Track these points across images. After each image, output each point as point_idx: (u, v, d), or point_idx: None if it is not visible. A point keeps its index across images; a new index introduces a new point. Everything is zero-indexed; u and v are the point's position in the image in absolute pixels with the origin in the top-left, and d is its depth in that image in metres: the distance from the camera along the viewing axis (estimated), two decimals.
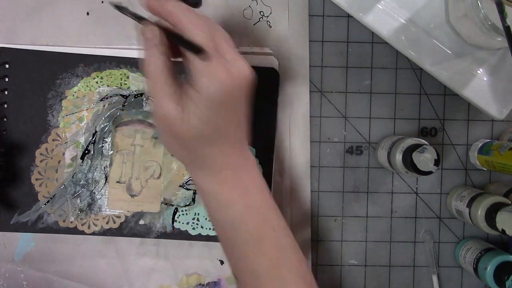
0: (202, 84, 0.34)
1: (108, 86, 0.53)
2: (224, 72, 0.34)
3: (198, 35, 0.34)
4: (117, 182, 0.53)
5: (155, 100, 0.36)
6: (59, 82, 0.52)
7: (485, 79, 0.50)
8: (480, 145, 0.53)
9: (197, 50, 0.33)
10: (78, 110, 0.52)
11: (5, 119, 0.52)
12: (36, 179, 0.52)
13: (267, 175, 0.53)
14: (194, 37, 0.34)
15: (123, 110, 0.53)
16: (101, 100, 0.53)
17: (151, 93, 0.36)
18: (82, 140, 0.52)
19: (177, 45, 0.37)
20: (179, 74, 0.37)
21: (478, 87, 0.50)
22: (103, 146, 0.53)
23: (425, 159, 0.45)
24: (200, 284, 0.54)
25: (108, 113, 0.53)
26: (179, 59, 0.38)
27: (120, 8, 0.39)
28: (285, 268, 0.39)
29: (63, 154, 0.52)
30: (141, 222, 0.53)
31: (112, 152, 0.53)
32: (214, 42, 0.35)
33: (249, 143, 0.41)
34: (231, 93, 0.35)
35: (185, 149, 0.37)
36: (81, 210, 0.52)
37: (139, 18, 0.38)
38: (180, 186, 0.53)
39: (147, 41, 0.36)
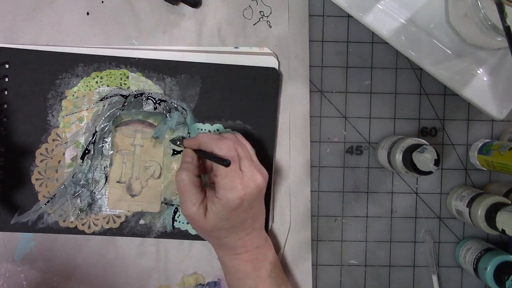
0: (221, 194, 0.44)
1: (108, 86, 0.53)
2: (240, 188, 0.44)
3: (222, 151, 0.45)
4: (117, 182, 0.53)
5: (182, 203, 0.46)
6: (59, 82, 0.52)
7: (485, 79, 0.50)
8: (480, 145, 0.53)
9: (222, 161, 0.43)
10: (78, 110, 0.52)
11: (5, 119, 0.52)
12: (36, 179, 0.52)
13: (268, 175, 0.53)
14: (219, 153, 0.45)
15: (123, 110, 0.53)
16: (101, 100, 0.53)
17: (180, 197, 0.47)
18: (82, 140, 0.52)
19: (204, 163, 0.49)
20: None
21: (478, 87, 0.50)
22: (103, 146, 0.53)
23: (425, 159, 0.45)
24: (199, 284, 0.54)
25: (108, 113, 0.53)
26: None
27: (173, 141, 0.52)
28: None
29: (63, 154, 0.52)
30: (141, 222, 0.53)
31: (112, 152, 0.53)
32: (235, 156, 0.45)
33: (266, 225, 0.52)
34: (244, 200, 0.45)
35: (209, 237, 0.49)
36: (81, 210, 0.52)
37: (183, 146, 0.50)
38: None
39: (184, 159, 0.48)
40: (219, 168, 0.45)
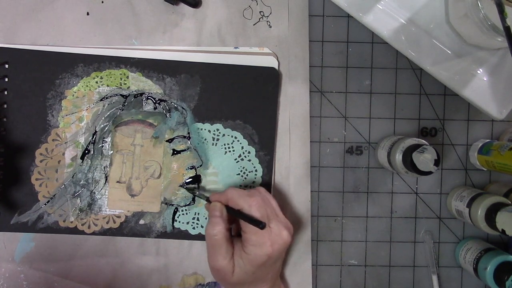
0: (250, 249, 0.45)
1: (107, 86, 0.53)
2: (269, 244, 0.45)
3: (252, 208, 0.45)
4: (117, 182, 0.53)
5: (212, 256, 0.46)
6: (59, 82, 0.52)
7: (485, 79, 0.50)
8: (480, 145, 0.53)
9: (258, 224, 0.43)
10: (78, 110, 0.52)
11: (5, 119, 0.52)
12: (36, 179, 0.52)
13: (267, 175, 0.54)
14: (253, 214, 0.45)
15: (123, 110, 0.53)
16: (101, 100, 0.53)
17: (210, 250, 0.47)
18: (82, 140, 0.52)
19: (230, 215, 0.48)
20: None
21: (478, 87, 0.50)
22: (103, 146, 0.53)
23: (425, 159, 0.45)
24: (199, 284, 0.54)
25: (108, 113, 0.53)
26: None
27: (192, 190, 0.53)
28: None
29: (63, 154, 0.52)
30: (141, 222, 0.53)
31: (112, 152, 0.53)
32: (265, 214, 0.46)
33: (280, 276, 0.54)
34: (272, 257, 0.45)
35: (230, 286, 0.48)
36: (81, 210, 0.52)
37: (206, 198, 0.50)
38: (180, 186, 0.53)
39: (213, 213, 0.47)
40: (249, 225, 0.45)
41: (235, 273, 0.46)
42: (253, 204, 0.45)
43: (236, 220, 0.49)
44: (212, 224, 0.46)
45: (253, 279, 0.47)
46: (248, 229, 0.45)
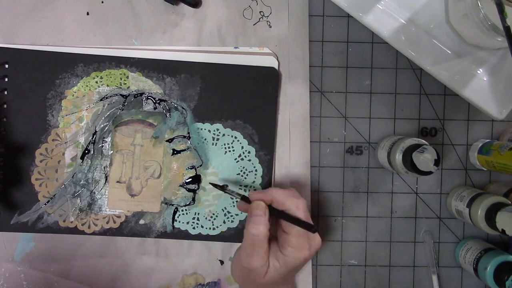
0: (289, 251, 0.44)
1: (107, 86, 0.53)
2: (306, 249, 0.45)
3: (300, 210, 0.45)
4: (117, 182, 0.53)
5: (249, 256, 0.45)
6: (59, 82, 0.52)
7: (485, 79, 0.50)
8: (480, 145, 0.53)
9: (310, 228, 0.43)
10: (77, 110, 0.52)
11: (5, 119, 0.52)
12: (36, 179, 0.52)
13: (267, 175, 0.54)
14: (300, 216, 0.44)
15: (122, 110, 0.53)
16: (101, 100, 0.53)
17: (248, 250, 0.45)
18: (82, 140, 0.52)
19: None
20: None
21: (478, 87, 0.50)
22: (103, 146, 0.53)
23: (425, 159, 0.45)
24: (199, 284, 0.54)
25: (108, 113, 0.53)
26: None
27: (222, 188, 0.50)
28: None
29: (63, 154, 0.52)
30: (141, 221, 0.53)
31: (112, 152, 0.53)
32: (309, 217, 0.45)
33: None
34: (307, 261, 0.46)
35: (251, 286, 0.47)
36: (81, 210, 0.52)
37: (241, 196, 0.48)
38: (180, 185, 0.53)
39: (257, 212, 0.45)
40: (292, 227, 0.44)
41: (268, 274, 0.45)
42: (300, 206, 0.45)
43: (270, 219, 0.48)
44: (255, 223, 0.45)
45: (281, 280, 0.46)
46: (291, 230, 0.44)
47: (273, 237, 0.47)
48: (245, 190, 0.53)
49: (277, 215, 0.46)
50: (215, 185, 0.51)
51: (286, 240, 0.45)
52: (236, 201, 0.52)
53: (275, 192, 0.46)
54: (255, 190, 0.53)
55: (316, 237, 0.46)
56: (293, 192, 0.47)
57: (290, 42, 0.54)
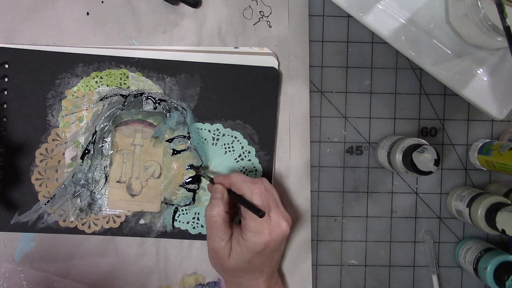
0: (248, 236, 0.45)
1: (107, 86, 0.53)
2: (267, 233, 0.45)
3: (254, 195, 0.45)
4: (117, 181, 0.53)
5: (210, 237, 0.47)
6: (59, 82, 0.52)
7: (485, 79, 0.50)
8: (480, 145, 0.53)
9: (257, 211, 0.44)
10: (77, 110, 0.52)
11: (5, 119, 0.52)
12: (36, 179, 0.52)
13: (268, 174, 0.54)
14: (254, 201, 0.45)
15: (122, 109, 0.53)
16: (101, 100, 0.53)
17: (208, 231, 0.47)
18: (82, 140, 0.52)
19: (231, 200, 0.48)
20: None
21: (478, 87, 0.50)
22: (103, 146, 0.53)
23: (425, 159, 0.45)
24: (199, 284, 0.54)
25: (108, 113, 0.53)
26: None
27: (197, 169, 0.53)
28: None
29: (63, 154, 0.52)
30: (141, 221, 0.53)
31: (112, 152, 0.53)
32: (266, 202, 0.46)
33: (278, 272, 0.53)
34: (269, 246, 0.46)
35: (226, 274, 0.49)
36: (81, 210, 0.52)
37: (210, 179, 0.50)
38: (180, 185, 0.53)
39: (215, 195, 0.48)
40: (249, 212, 0.45)
41: (231, 257, 0.46)
42: (255, 191, 0.46)
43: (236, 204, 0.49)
44: (212, 205, 0.47)
45: (249, 267, 0.47)
46: (247, 215, 0.46)
47: (239, 224, 0.48)
48: None
49: (234, 199, 0.47)
50: (191, 166, 0.53)
51: (245, 224, 0.46)
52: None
53: (234, 177, 0.47)
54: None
55: (280, 224, 0.46)
56: (253, 179, 0.47)
57: (290, 42, 0.54)
